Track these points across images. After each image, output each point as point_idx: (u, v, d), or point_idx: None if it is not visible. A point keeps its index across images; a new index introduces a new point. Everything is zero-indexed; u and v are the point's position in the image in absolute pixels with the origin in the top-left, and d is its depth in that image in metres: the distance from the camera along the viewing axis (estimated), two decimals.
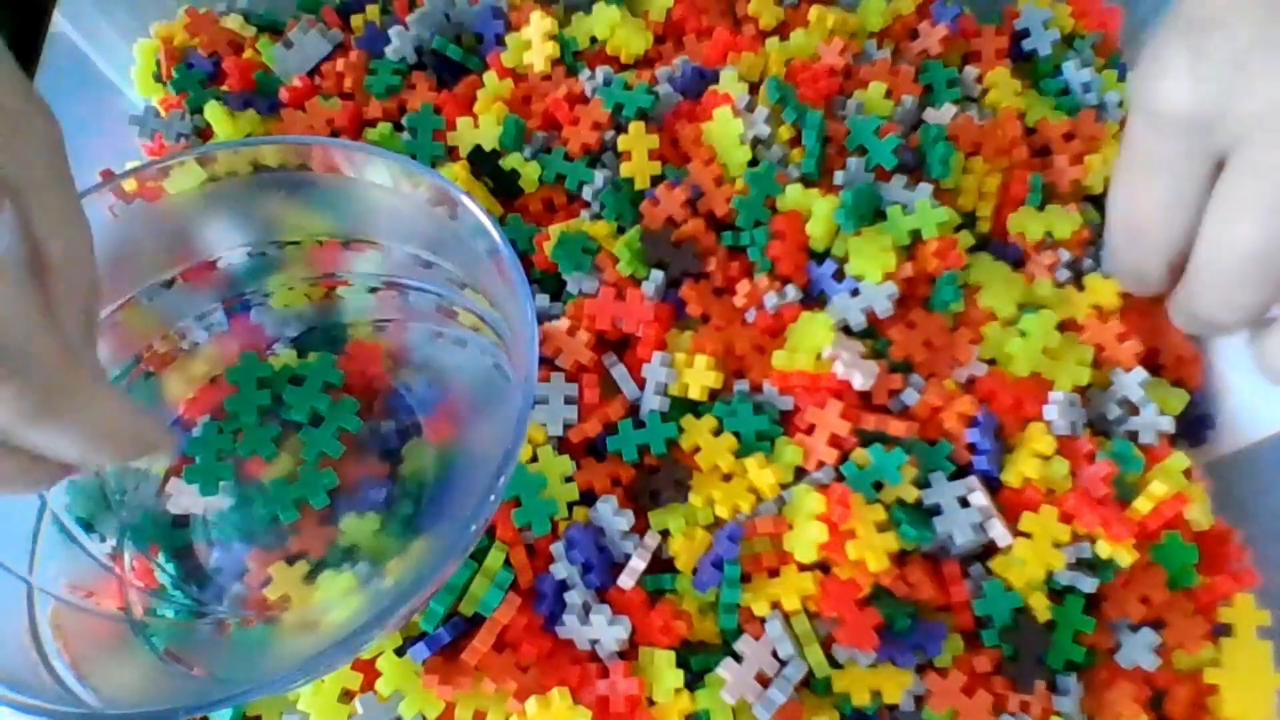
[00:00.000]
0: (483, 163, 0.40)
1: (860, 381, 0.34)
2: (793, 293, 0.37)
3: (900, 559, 0.33)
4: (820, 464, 0.34)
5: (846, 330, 0.36)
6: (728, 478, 0.35)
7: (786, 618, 0.32)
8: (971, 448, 0.35)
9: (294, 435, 0.35)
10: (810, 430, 0.35)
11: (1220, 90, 0.27)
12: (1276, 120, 0.26)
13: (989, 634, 0.32)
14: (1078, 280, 0.38)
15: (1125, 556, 0.33)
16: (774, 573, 0.33)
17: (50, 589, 0.30)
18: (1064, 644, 0.33)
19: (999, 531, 0.33)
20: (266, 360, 0.36)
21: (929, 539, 0.33)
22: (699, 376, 0.35)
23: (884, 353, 0.36)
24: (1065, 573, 0.33)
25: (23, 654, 0.28)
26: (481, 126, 0.41)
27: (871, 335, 0.37)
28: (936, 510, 0.34)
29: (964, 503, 0.34)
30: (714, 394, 0.36)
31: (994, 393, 0.36)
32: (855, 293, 0.36)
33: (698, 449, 0.35)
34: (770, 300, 0.37)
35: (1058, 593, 0.33)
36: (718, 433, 0.35)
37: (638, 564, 0.33)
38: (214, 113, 0.41)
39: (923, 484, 0.34)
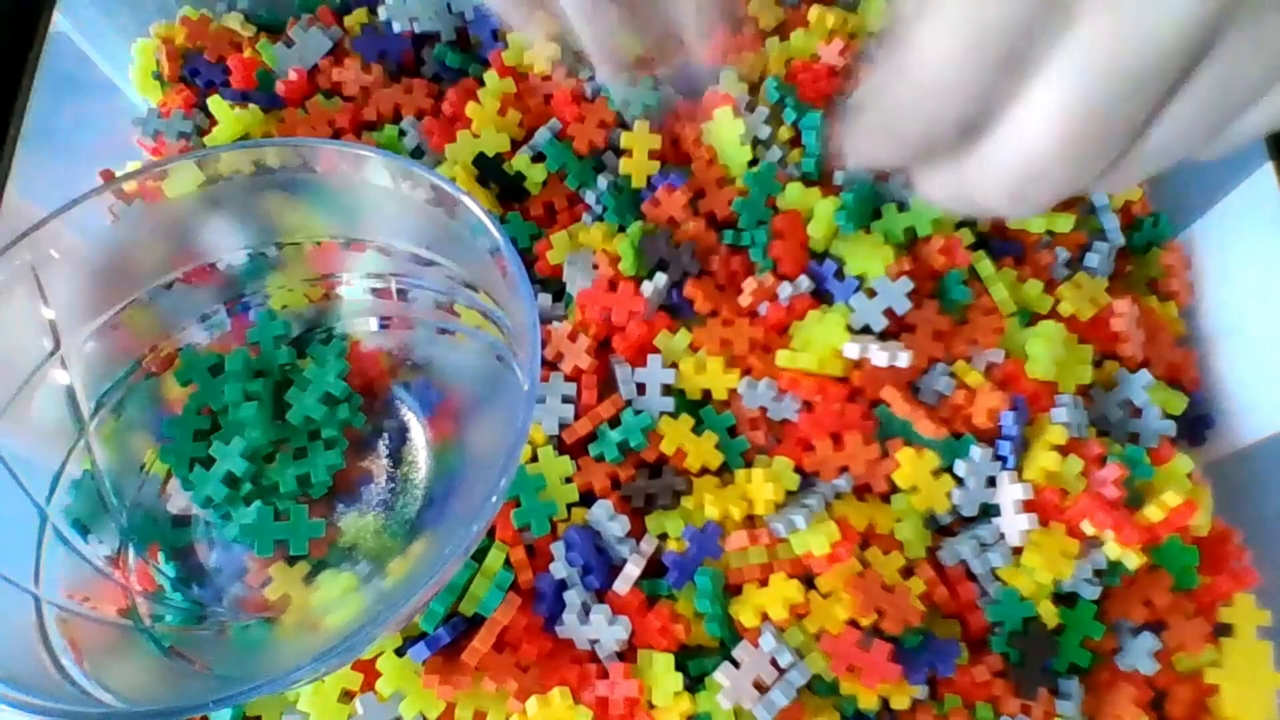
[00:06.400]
0: (484, 164, 0.40)
1: (904, 360, 0.34)
2: (805, 283, 0.37)
3: (906, 573, 0.33)
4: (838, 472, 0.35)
5: (865, 333, 0.36)
6: (720, 475, 0.35)
7: (779, 629, 0.32)
8: (998, 432, 0.35)
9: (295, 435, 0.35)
10: (810, 446, 0.35)
11: None
12: None
13: (997, 640, 0.32)
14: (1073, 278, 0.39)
15: (1133, 560, 0.33)
16: (764, 583, 0.33)
17: (53, 599, 0.30)
18: (1071, 648, 0.33)
19: (1018, 520, 0.33)
20: (257, 356, 0.36)
21: None
22: (716, 379, 0.35)
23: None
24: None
25: (37, 663, 0.28)
26: (482, 126, 0.41)
27: (882, 337, 0.37)
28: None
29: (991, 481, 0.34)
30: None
31: (1011, 382, 0.36)
32: (872, 293, 0.36)
33: (682, 452, 0.35)
34: (784, 291, 0.36)
35: (1063, 597, 0.33)
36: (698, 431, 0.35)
37: (632, 570, 0.33)
38: (218, 106, 0.41)
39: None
